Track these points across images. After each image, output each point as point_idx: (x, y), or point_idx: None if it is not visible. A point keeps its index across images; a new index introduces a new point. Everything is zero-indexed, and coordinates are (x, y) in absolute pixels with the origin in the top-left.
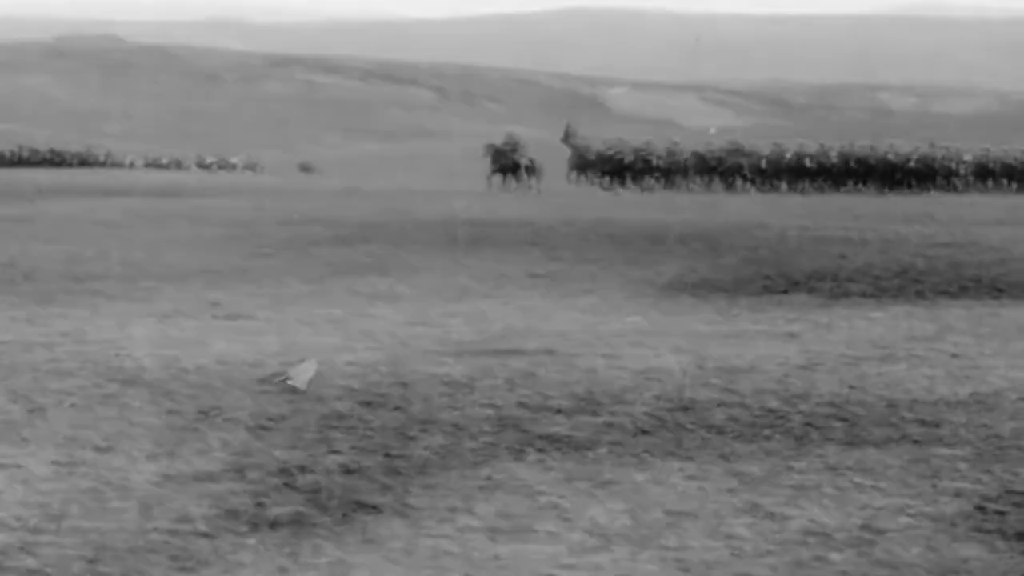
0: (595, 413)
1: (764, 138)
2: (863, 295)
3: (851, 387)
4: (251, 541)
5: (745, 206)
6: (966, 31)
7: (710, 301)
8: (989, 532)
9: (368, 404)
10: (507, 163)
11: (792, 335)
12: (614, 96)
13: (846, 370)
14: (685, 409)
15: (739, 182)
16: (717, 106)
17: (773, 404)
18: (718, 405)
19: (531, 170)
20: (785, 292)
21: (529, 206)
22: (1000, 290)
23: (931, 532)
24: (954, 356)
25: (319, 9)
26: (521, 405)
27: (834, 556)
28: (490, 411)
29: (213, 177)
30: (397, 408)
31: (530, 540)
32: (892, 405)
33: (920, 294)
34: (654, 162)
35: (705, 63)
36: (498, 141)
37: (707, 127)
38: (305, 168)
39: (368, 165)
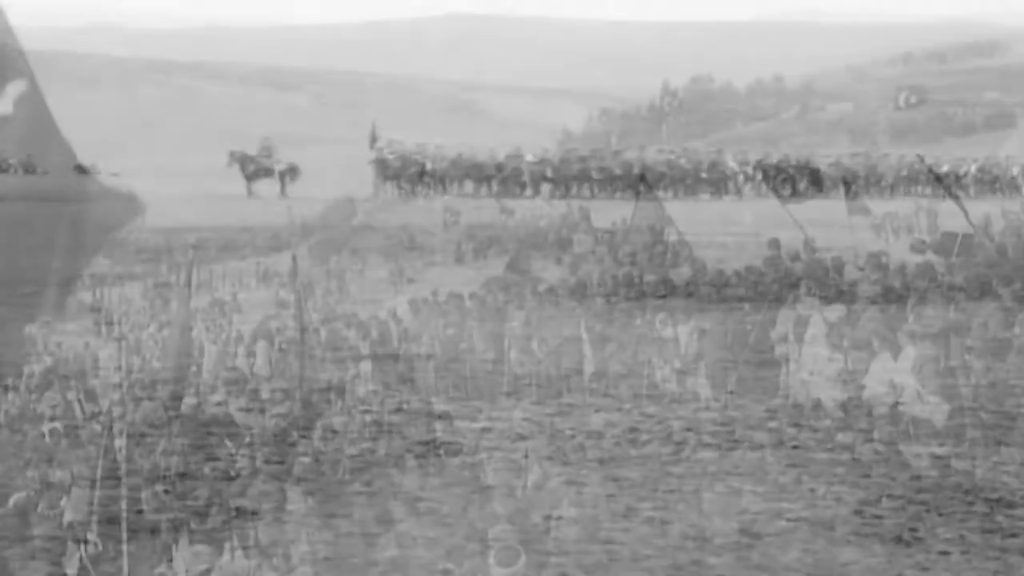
0: (474, 419)
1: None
2: (739, 299)
3: (730, 392)
4: (130, 548)
5: None
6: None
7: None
8: (867, 536)
9: (248, 410)
10: (259, 169)
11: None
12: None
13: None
14: (563, 414)
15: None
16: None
17: (651, 409)
18: (596, 411)
19: (287, 174)
20: (663, 297)
21: (403, 211)
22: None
23: (809, 536)
24: (833, 360)
25: (200, 14)
26: (399, 411)
27: (712, 560)
28: (369, 417)
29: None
30: (277, 414)
31: (409, 545)
32: (771, 409)
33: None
34: None
35: (588, 70)
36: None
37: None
38: (81, 169)
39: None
